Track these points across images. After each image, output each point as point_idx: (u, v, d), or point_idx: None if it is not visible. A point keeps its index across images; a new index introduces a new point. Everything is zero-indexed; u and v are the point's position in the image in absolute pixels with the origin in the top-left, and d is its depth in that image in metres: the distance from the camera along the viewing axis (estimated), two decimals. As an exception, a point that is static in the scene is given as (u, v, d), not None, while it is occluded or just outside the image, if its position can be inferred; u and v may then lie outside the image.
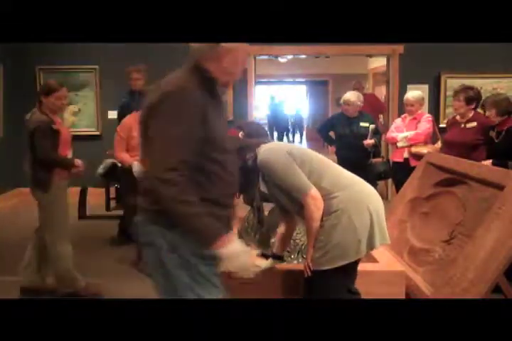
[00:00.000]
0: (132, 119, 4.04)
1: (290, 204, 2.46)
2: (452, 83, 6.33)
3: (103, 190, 5.97)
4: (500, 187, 2.96)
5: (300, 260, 3.05)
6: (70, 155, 3.76)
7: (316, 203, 2.34)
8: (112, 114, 6.79)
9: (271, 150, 2.45)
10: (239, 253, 1.75)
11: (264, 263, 2.64)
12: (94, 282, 3.62)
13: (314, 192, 2.35)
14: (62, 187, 3.57)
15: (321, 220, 2.36)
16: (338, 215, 2.33)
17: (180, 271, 1.79)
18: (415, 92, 5.01)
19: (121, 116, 4.80)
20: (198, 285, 1.81)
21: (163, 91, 1.77)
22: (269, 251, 3.13)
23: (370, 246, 2.36)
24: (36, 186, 3.45)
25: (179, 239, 1.77)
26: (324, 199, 2.35)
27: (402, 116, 5.13)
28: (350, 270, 2.41)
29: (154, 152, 1.72)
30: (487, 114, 4.19)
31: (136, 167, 3.87)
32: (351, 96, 5.12)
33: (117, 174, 4.53)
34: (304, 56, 9.51)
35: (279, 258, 2.74)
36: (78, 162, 3.61)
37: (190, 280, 1.80)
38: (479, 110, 4.51)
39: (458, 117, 4.55)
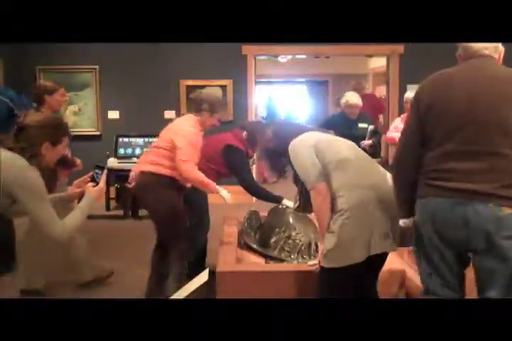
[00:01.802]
0: (197, 130, 3.27)
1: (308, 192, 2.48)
2: (452, 83, 6.32)
3: (103, 190, 5.98)
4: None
5: (300, 260, 3.05)
6: (69, 154, 3.83)
7: (319, 198, 2.35)
8: (112, 114, 6.80)
9: (299, 140, 2.49)
10: None
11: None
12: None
13: (321, 186, 2.34)
14: (63, 186, 3.60)
15: (331, 217, 2.35)
16: (340, 216, 2.31)
17: None
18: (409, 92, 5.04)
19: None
20: None
21: None
22: (269, 251, 3.15)
23: (368, 252, 2.30)
24: None
25: None
26: (332, 197, 2.35)
27: (402, 116, 5.13)
28: (348, 274, 2.35)
29: None
30: None
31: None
32: (355, 97, 5.11)
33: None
34: (304, 56, 9.51)
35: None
36: (77, 161, 3.75)
37: None
38: None
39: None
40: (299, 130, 2.61)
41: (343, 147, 2.50)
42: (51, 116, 2.34)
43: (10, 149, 2.11)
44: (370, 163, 2.52)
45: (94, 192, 2.30)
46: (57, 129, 2.24)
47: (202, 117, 3.27)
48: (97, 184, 2.35)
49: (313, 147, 2.43)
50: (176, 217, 3.18)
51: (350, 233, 2.29)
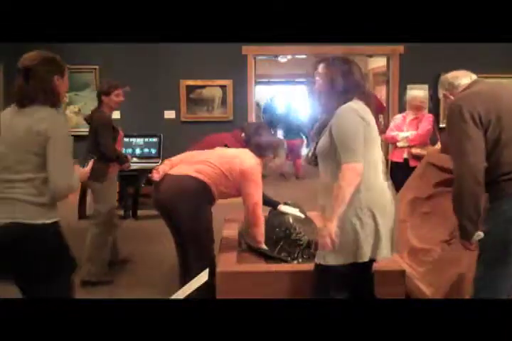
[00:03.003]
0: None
1: (331, 167, 2.34)
2: (452, 83, 6.33)
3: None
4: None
5: (300, 260, 3.05)
6: (122, 150, 4.12)
7: (352, 174, 2.20)
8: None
9: (349, 109, 2.36)
10: None
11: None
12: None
13: (357, 167, 2.21)
14: (114, 180, 3.93)
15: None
16: (352, 211, 2.25)
17: None
18: (419, 90, 5.06)
19: None
20: None
21: None
22: (269, 251, 3.15)
23: (373, 255, 2.27)
24: (94, 178, 3.51)
25: None
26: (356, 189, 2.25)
27: (403, 113, 5.09)
28: (337, 274, 2.30)
29: None
30: None
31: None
32: None
33: None
34: (304, 56, 9.51)
35: None
36: (129, 157, 3.99)
37: None
38: None
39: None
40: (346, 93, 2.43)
41: (377, 140, 2.41)
42: (42, 52, 2.26)
43: (32, 101, 2.08)
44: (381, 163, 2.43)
45: (79, 173, 2.30)
46: (56, 60, 2.19)
47: (263, 162, 3.34)
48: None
49: (363, 120, 2.35)
50: (210, 228, 3.21)
51: (357, 233, 2.24)
